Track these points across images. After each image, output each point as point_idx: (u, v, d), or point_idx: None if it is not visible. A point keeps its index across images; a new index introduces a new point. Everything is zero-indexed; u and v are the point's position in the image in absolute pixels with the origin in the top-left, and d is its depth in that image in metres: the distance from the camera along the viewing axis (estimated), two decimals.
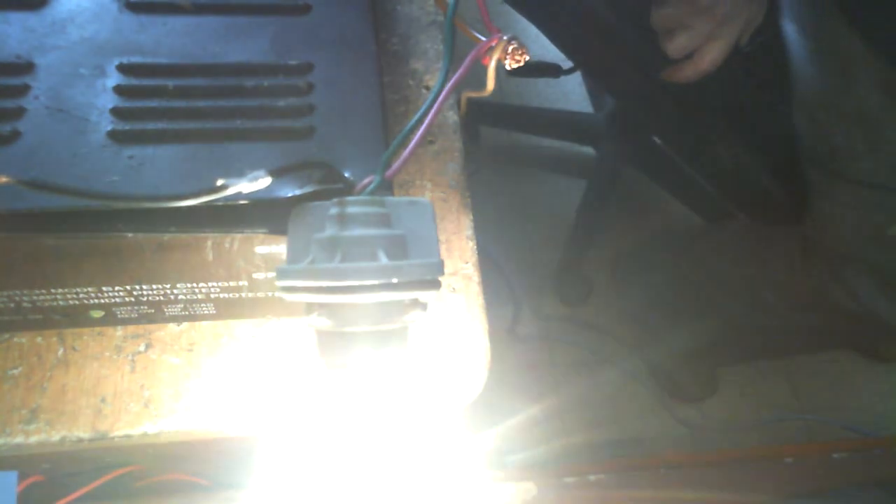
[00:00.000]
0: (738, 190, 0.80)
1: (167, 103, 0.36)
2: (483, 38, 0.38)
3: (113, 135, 0.34)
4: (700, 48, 0.58)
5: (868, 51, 0.53)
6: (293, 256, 0.31)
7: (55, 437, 0.36)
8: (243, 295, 0.37)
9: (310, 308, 0.30)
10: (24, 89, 0.35)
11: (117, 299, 0.36)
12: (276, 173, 0.29)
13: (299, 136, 0.36)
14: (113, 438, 0.36)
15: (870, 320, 0.68)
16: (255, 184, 0.28)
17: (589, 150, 1.27)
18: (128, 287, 0.35)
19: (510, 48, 0.38)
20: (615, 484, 0.81)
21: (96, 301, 0.36)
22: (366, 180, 0.33)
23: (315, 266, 0.29)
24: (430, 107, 0.34)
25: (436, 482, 0.45)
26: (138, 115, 0.35)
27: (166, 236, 0.33)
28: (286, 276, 0.29)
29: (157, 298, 0.36)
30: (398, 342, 0.30)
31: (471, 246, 0.43)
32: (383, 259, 0.28)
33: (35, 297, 0.35)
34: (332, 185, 0.33)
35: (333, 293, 0.28)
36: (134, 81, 0.37)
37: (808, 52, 0.62)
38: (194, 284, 0.36)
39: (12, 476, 0.42)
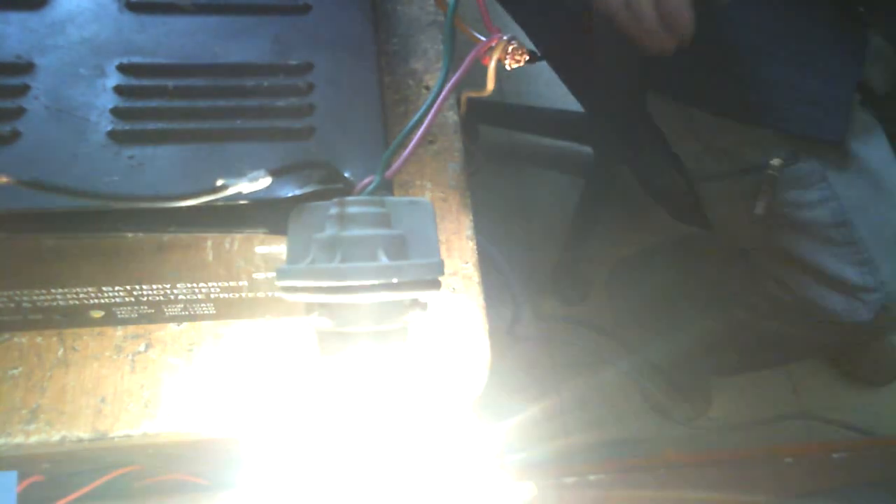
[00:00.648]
0: (665, 193, 0.85)
1: (167, 103, 0.36)
2: (483, 38, 0.38)
3: (113, 135, 0.34)
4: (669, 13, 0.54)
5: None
6: (293, 256, 0.31)
7: (55, 437, 0.36)
8: (243, 295, 0.37)
9: (310, 308, 0.30)
10: (24, 89, 0.35)
11: (117, 299, 0.36)
12: (276, 173, 0.29)
13: (299, 136, 0.36)
14: (113, 438, 0.36)
15: (815, 314, 0.69)
16: (255, 184, 0.29)
17: (588, 149, 1.27)
18: (128, 287, 0.35)
19: (510, 48, 0.38)
20: (615, 484, 0.81)
21: (96, 301, 0.36)
22: (366, 180, 0.33)
23: (315, 266, 0.29)
24: (430, 107, 0.34)
25: (436, 482, 0.45)
26: (138, 115, 0.35)
27: (166, 236, 0.33)
28: (286, 277, 0.29)
29: (157, 298, 0.36)
30: (398, 340, 0.30)
31: (471, 246, 0.43)
32: (383, 259, 0.28)
33: (35, 297, 0.35)
34: (332, 185, 0.33)
35: (334, 293, 0.28)
36: (134, 81, 0.37)
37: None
38: (194, 284, 0.36)
39: (12, 476, 0.42)
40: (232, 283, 0.36)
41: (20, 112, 0.34)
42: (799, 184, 0.64)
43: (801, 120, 0.63)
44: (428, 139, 0.46)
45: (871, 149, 0.63)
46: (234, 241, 0.34)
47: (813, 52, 0.64)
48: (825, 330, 0.71)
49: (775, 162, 0.63)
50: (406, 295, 0.29)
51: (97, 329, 0.38)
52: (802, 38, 0.64)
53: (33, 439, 0.35)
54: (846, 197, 0.63)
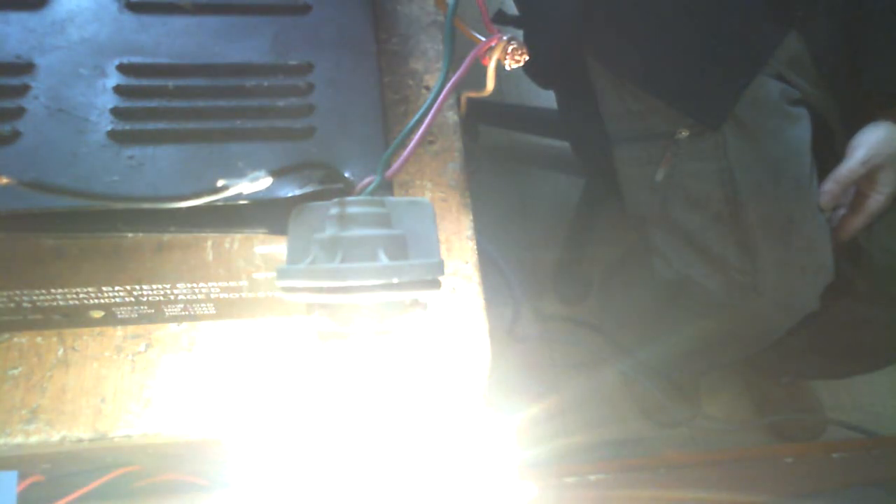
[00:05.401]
0: (586, 150, 0.91)
1: (167, 103, 0.36)
2: (483, 39, 0.38)
3: (113, 135, 0.34)
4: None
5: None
6: (293, 256, 0.31)
7: (55, 437, 0.36)
8: (243, 295, 0.37)
9: (311, 308, 0.30)
10: (24, 89, 0.35)
11: (117, 299, 0.36)
12: (277, 173, 0.29)
13: (299, 136, 0.36)
14: (113, 438, 0.36)
15: (691, 290, 0.70)
16: (255, 184, 0.28)
17: None
18: (128, 287, 0.35)
19: (510, 48, 0.38)
20: (615, 484, 0.81)
21: (96, 301, 0.36)
22: (366, 180, 0.33)
23: (315, 266, 0.29)
24: (430, 107, 0.34)
25: (435, 482, 0.45)
26: (138, 115, 0.35)
27: (166, 236, 0.33)
28: (287, 277, 0.29)
29: (157, 298, 0.36)
30: (398, 340, 0.30)
31: (471, 246, 0.43)
32: (384, 259, 0.28)
33: (35, 297, 0.35)
34: (332, 185, 0.33)
35: (334, 294, 0.28)
36: (134, 81, 0.37)
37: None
38: (194, 284, 0.36)
39: (12, 476, 0.42)
40: (232, 283, 0.36)
41: (20, 112, 0.34)
42: (699, 157, 0.65)
43: (687, 101, 0.66)
44: (428, 139, 0.46)
45: (780, 139, 0.64)
46: (234, 241, 0.34)
47: (719, 41, 0.65)
48: (700, 312, 0.72)
49: (682, 133, 0.66)
50: (406, 295, 0.29)
51: (97, 329, 0.38)
52: (714, 25, 0.65)
53: (33, 439, 0.35)
54: (742, 179, 0.64)
